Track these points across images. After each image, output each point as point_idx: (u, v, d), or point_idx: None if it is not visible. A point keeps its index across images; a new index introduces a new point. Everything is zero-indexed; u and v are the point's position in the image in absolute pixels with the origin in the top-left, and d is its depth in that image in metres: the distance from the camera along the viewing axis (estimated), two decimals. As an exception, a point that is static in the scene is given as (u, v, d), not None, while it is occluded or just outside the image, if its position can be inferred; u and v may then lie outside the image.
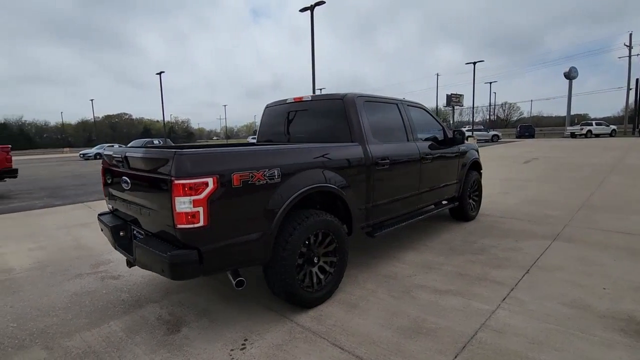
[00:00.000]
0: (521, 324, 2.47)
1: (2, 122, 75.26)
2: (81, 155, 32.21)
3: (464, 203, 5.04)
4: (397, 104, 4.01)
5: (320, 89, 46.17)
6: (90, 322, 2.72)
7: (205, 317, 2.74)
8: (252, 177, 2.36)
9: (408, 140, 3.97)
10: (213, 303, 2.98)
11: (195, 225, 2.13)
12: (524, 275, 3.29)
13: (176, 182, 2.08)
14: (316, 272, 2.86)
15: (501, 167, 12.33)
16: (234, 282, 2.40)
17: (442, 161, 4.53)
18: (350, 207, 3.11)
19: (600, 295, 2.86)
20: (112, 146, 9.83)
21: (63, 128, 78.50)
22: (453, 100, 49.78)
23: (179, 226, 2.12)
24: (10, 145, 9.49)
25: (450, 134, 4.67)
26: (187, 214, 2.11)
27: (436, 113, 61.45)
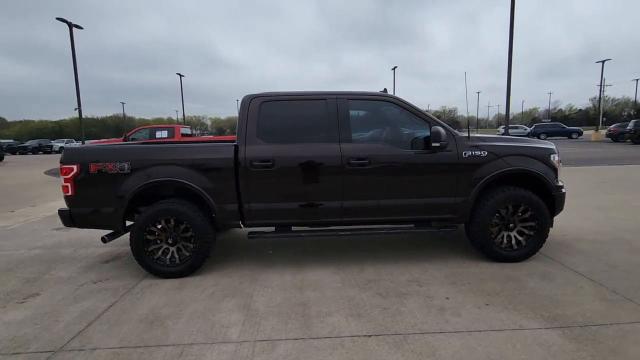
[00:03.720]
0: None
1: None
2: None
3: (477, 233, 3.49)
4: (325, 100, 3.50)
5: (603, 61, 33.37)
6: (94, 246, 4.57)
7: (125, 263, 3.95)
8: (105, 167, 3.33)
9: (330, 142, 3.42)
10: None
11: (68, 194, 3.38)
12: (365, 336, 2.39)
13: (60, 166, 3.40)
14: (173, 251, 3.44)
15: None
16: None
17: (405, 169, 3.46)
18: (208, 204, 3.37)
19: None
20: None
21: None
22: None
23: (63, 194, 3.45)
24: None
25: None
26: (64, 186, 3.39)
27: None
